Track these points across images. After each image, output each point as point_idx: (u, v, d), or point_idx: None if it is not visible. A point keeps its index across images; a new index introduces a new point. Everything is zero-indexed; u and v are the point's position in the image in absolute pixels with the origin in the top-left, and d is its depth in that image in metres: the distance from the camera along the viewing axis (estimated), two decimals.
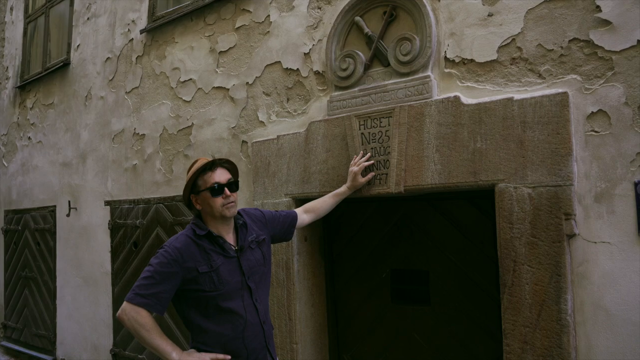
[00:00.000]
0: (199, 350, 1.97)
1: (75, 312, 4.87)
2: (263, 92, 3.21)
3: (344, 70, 2.72)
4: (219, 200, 2.01)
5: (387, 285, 2.92)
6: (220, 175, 2.05)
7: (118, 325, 4.32)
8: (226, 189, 2.03)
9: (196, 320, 1.98)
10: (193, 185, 2.08)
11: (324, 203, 2.53)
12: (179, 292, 1.97)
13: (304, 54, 2.99)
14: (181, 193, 2.43)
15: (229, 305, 1.97)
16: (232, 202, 2.04)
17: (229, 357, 1.95)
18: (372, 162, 2.52)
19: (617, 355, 1.91)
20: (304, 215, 2.49)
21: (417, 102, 2.43)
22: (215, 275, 1.96)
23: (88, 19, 4.86)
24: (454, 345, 2.65)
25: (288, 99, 3.07)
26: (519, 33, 2.19)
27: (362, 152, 2.57)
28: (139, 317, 1.86)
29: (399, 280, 2.90)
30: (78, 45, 4.97)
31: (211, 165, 2.06)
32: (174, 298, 2.00)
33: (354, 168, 2.52)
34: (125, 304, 1.89)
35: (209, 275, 1.95)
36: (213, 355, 1.93)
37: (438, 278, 2.72)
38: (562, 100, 2.02)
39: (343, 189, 2.54)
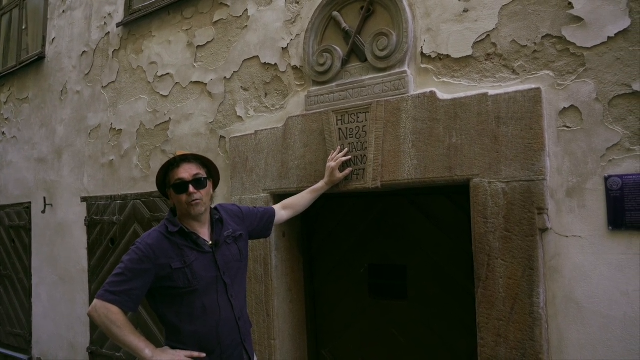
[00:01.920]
0: (173, 348, 1.93)
1: (51, 311, 4.78)
2: (241, 87, 3.18)
3: (322, 65, 2.71)
4: (183, 198, 1.98)
5: (365, 281, 2.92)
6: (185, 171, 2.00)
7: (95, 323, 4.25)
8: (190, 186, 1.97)
9: (170, 318, 1.95)
10: (164, 181, 2.07)
11: (301, 199, 2.52)
12: (153, 290, 1.94)
13: (282, 48, 2.97)
14: None
15: (203, 301, 1.95)
16: (197, 200, 1.97)
17: (204, 354, 1.93)
18: (349, 157, 2.52)
19: (587, 348, 1.95)
20: (282, 211, 2.48)
21: (394, 97, 2.43)
22: (189, 271, 1.92)
23: (63, 11, 4.76)
24: (431, 339, 2.67)
25: (266, 94, 3.05)
26: (494, 29, 2.20)
27: (339, 147, 2.56)
28: (110, 314, 1.82)
29: (376, 275, 2.91)
30: (53, 39, 4.87)
31: (174, 162, 2.01)
32: (149, 295, 1.97)
33: (331, 163, 2.51)
34: (95, 301, 1.85)
35: (183, 271, 1.92)
36: (187, 352, 1.90)
37: (415, 273, 2.73)
38: (535, 96, 2.04)
39: (321, 184, 2.53)
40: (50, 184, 4.81)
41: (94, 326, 4.27)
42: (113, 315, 1.82)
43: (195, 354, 1.91)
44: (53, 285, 4.77)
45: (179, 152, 2.10)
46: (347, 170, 2.51)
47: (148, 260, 1.88)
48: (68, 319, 4.58)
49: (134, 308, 1.89)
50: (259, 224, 2.34)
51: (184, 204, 1.98)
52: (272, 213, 2.41)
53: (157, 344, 1.93)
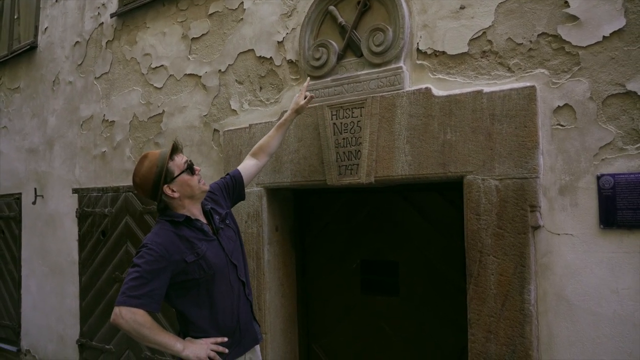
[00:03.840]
0: (196, 337, 1.98)
1: (41, 302, 4.75)
2: (236, 80, 3.16)
3: (317, 59, 2.70)
4: (196, 178, 2.05)
5: (357, 276, 2.93)
6: (182, 157, 2.07)
7: (85, 315, 4.23)
8: (195, 166, 2.08)
9: (190, 309, 1.98)
10: (165, 176, 2.00)
11: (270, 138, 2.47)
12: (169, 286, 1.95)
13: (278, 42, 2.95)
14: None
15: (219, 287, 2.01)
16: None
17: (226, 339, 2.00)
18: (309, 86, 2.51)
19: (577, 345, 1.96)
20: (253, 160, 2.46)
21: (389, 93, 2.43)
22: (204, 262, 1.97)
23: (56, 1, 4.70)
24: (422, 335, 2.68)
25: (261, 88, 3.03)
26: (490, 26, 2.20)
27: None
28: (137, 317, 1.82)
29: (369, 271, 2.91)
30: (46, 28, 4.81)
31: (175, 148, 2.06)
32: (166, 292, 1.98)
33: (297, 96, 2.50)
34: (119, 309, 1.81)
35: (198, 263, 1.95)
36: (212, 339, 1.97)
37: (407, 269, 2.74)
38: (529, 94, 2.05)
39: (287, 114, 2.48)
40: (41, 175, 4.76)
41: (84, 318, 4.25)
42: (140, 317, 1.82)
43: (219, 339, 1.98)
44: (43, 277, 4.73)
45: (151, 153, 2.05)
46: (309, 96, 2.47)
47: (163, 259, 1.88)
48: (58, 311, 4.55)
49: (158, 308, 1.90)
50: (233, 193, 2.38)
51: (197, 184, 2.04)
52: (239, 176, 2.40)
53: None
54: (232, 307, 2.04)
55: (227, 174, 2.43)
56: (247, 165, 2.45)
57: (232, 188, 2.37)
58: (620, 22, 1.91)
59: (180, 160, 2.04)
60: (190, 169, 2.04)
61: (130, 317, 1.81)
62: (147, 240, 1.94)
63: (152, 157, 2.02)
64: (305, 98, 2.46)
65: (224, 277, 2.03)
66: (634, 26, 1.89)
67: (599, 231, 1.93)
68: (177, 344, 1.89)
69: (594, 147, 1.95)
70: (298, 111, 2.47)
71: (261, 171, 2.76)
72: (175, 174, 2.00)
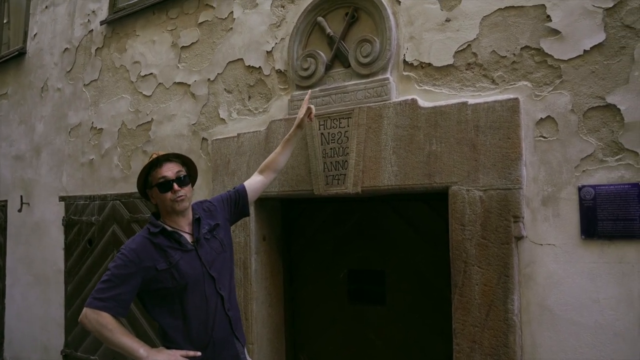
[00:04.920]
0: (169, 348, 1.95)
1: (25, 312, 4.68)
2: (225, 89, 3.17)
3: (306, 69, 2.72)
4: (168, 195, 2.02)
5: (344, 285, 2.93)
6: (168, 170, 2.05)
7: (70, 325, 4.18)
8: (175, 183, 2.02)
9: (164, 318, 1.98)
10: (146, 182, 2.09)
11: (277, 155, 2.45)
12: (143, 293, 1.98)
13: (267, 52, 2.97)
14: None
15: (193, 298, 1.98)
16: (182, 196, 2.03)
17: (199, 353, 1.95)
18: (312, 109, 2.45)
19: (559, 354, 1.98)
20: (259, 177, 2.44)
21: (376, 103, 2.45)
22: (176, 271, 1.95)
23: (46, 7, 4.69)
24: (408, 344, 2.68)
25: (249, 97, 3.05)
26: (475, 39, 2.24)
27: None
28: (100, 318, 1.85)
29: (356, 280, 2.92)
30: (35, 34, 4.80)
31: (157, 162, 2.06)
32: (142, 300, 2.01)
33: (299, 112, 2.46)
34: (85, 309, 1.88)
35: (169, 271, 1.95)
36: (183, 352, 1.93)
37: (394, 278, 2.75)
38: (513, 106, 2.08)
39: (292, 130, 2.45)
40: (28, 182, 4.72)
41: (69, 328, 4.19)
42: (103, 319, 1.85)
43: (191, 353, 1.94)
44: (28, 286, 4.67)
45: (157, 153, 2.13)
46: (306, 102, 2.44)
47: (132, 264, 1.91)
48: (42, 320, 4.49)
49: (124, 313, 1.92)
50: (235, 206, 2.34)
51: (169, 202, 2.02)
52: (242, 190, 2.38)
53: (155, 347, 1.95)
54: (206, 321, 1.99)
55: (233, 188, 2.41)
56: (253, 181, 2.43)
57: (235, 202, 2.34)
58: (600, 37, 1.95)
59: (161, 172, 2.03)
60: (160, 185, 2.02)
61: (94, 318, 1.85)
62: (123, 245, 2.00)
63: (152, 157, 2.09)
64: (308, 111, 2.42)
65: (198, 289, 1.99)
66: (613, 41, 1.93)
67: (581, 241, 1.96)
68: (140, 350, 1.85)
69: (576, 158, 1.98)
70: (300, 126, 2.44)
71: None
72: (152, 185, 2.07)
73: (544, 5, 2.08)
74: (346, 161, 2.50)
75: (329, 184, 2.55)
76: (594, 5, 1.97)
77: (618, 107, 1.91)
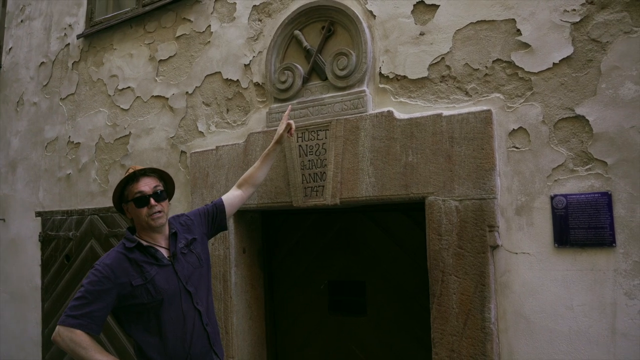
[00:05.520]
0: None
1: (1, 330, 4.57)
2: (203, 102, 3.17)
3: (283, 82, 2.74)
4: (143, 211, 2.00)
5: (325, 296, 2.93)
6: (145, 185, 2.03)
7: (47, 343, 4.08)
8: (151, 199, 2.01)
9: (139, 334, 1.95)
10: (122, 196, 2.07)
11: (255, 170, 2.43)
12: (118, 310, 1.95)
13: (244, 65, 2.98)
14: None
15: (169, 313, 1.96)
16: (158, 211, 2.02)
17: None
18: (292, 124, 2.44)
19: None
20: (237, 191, 2.42)
21: (353, 116, 2.47)
22: (151, 286, 1.93)
23: (22, 21, 4.64)
24: (389, 354, 2.69)
25: (228, 110, 3.05)
26: (448, 52, 2.28)
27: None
28: (74, 336, 1.82)
29: (336, 291, 2.92)
30: (10, 48, 4.73)
31: (134, 176, 2.04)
32: (116, 316, 1.98)
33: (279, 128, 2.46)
34: (58, 327, 1.85)
35: (145, 287, 1.93)
36: None
37: (374, 289, 2.76)
38: (486, 118, 2.12)
39: (271, 146, 2.44)
40: (3, 198, 4.63)
41: (46, 346, 4.10)
42: (77, 337, 1.82)
43: None
44: (3, 304, 4.56)
45: (134, 167, 2.12)
46: (286, 117, 2.45)
47: (107, 280, 1.89)
48: (19, 339, 4.38)
49: (98, 330, 1.88)
50: (213, 221, 2.32)
51: (145, 217, 2.00)
52: (221, 205, 2.35)
53: None
54: (183, 337, 1.96)
55: (211, 202, 2.39)
56: (232, 196, 2.40)
57: (213, 216, 2.32)
58: (568, 50, 2.01)
59: (138, 187, 2.02)
60: (136, 200, 2.00)
61: (67, 335, 1.82)
62: (98, 261, 1.97)
63: (128, 172, 2.07)
64: (287, 127, 2.41)
65: (174, 304, 1.97)
66: (581, 54, 1.99)
67: (554, 250, 2.00)
68: None
69: (547, 168, 2.03)
70: (279, 141, 2.43)
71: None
72: (128, 199, 2.05)
73: (514, 19, 2.13)
74: (324, 173, 2.52)
75: (308, 195, 2.56)
76: (561, 20, 2.03)
77: (587, 118, 1.96)
